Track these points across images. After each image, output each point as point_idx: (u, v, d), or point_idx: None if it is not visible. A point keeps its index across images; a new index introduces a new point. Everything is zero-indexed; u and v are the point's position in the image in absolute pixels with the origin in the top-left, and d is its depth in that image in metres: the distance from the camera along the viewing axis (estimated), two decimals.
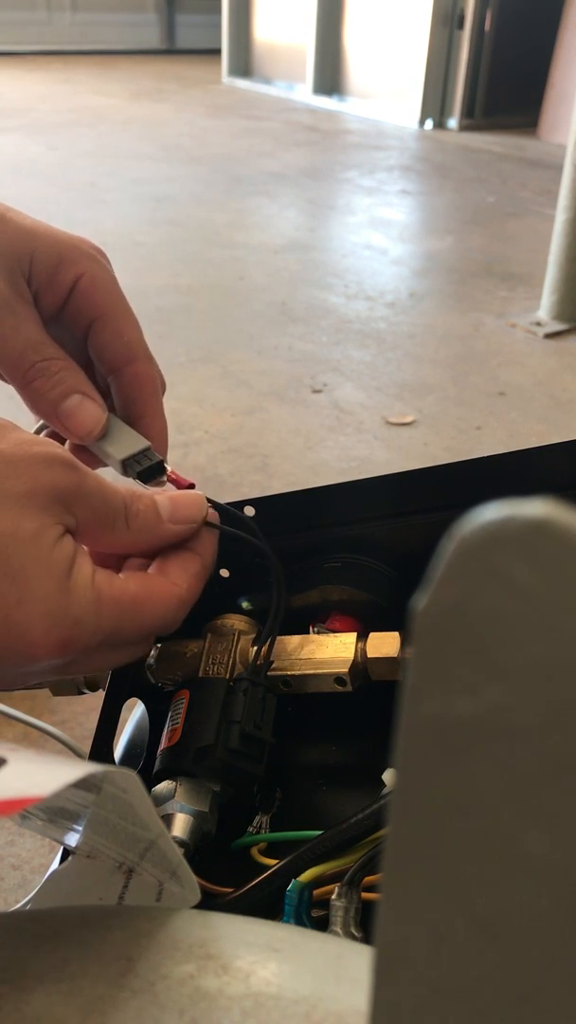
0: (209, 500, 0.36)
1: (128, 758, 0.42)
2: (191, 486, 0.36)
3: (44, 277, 0.36)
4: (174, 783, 0.34)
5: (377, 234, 3.09)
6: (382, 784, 0.35)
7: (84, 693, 0.42)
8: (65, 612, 0.28)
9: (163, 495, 0.34)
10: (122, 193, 3.43)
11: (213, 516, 0.35)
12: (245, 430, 1.78)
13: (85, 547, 0.31)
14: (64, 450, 0.30)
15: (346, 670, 0.36)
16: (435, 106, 5.33)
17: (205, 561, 0.34)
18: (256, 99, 5.97)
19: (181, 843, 0.33)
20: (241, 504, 0.39)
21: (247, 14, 6.51)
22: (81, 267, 0.36)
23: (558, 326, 2.32)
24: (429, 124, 5.31)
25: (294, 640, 0.38)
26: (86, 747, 0.41)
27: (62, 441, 0.38)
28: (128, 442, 0.37)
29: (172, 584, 0.32)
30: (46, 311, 0.37)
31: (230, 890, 0.33)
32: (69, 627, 0.28)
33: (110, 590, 0.30)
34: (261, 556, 0.37)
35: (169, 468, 0.37)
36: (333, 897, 0.31)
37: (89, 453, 0.38)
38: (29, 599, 0.27)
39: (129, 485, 0.33)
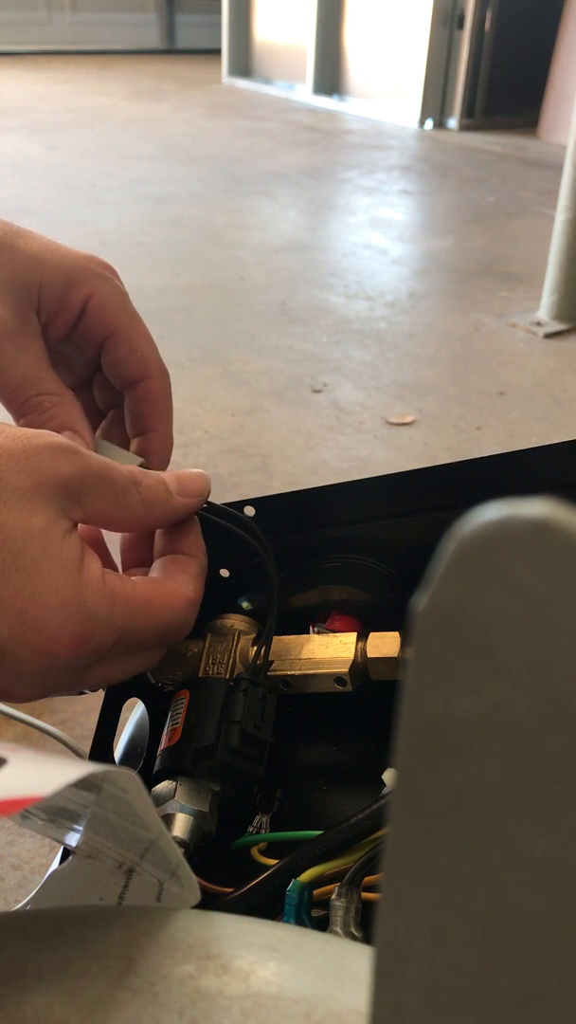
0: (206, 501, 0.36)
1: (128, 758, 0.42)
2: None
3: (53, 303, 0.36)
4: (174, 783, 0.34)
5: (377, 234, 3.09)
6: (382, 784, 0.35)
7: (84, 693, 0.42)
8: (80, 606, 0.28)
9: (168, 472, 0.34)
10: (122, 193, 3.43)
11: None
12: (245, 430, 1.78)
13: (93, 552, 0.31)
14: (62, 437, 0.30)
15: (346, 670, 0.36)
16: (435, 106, 5.33)
17: (201, 560, 0.35)
18: (256, 99, 5.97)
19: (181, 843, 0.33)
20: (241, 504, 0.39)
21: (247, 14, 6.51)
22: (89, 287, 0.36)
23: (558, 326, 2.32)
24: (429, 124, 5.31)
25: (294, 640, 0.38)
26: (86, 747, 0.41)
27: None
28: (121, 461, 0.37)
29: (179, 585, 0.32)
30: (58, 335, 0.37)
31: (230, 890, 0.33)
32: (84, 621, 0.28)
33: (122, 587, 0.30)
34: (254, 554, 0.37)
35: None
36: (333, 897, 0.31)
37: None
38: (43, 593, 0.27)
39: None
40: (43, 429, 0.35)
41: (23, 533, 0.27)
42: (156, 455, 0.38)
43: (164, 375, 0.38)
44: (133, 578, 0.31)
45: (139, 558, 0.37)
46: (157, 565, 0.34)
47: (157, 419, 0.38)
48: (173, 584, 0.32)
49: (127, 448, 0.38)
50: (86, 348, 0.38)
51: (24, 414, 0.36)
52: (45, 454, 0.28)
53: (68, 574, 0.28)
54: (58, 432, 0.36)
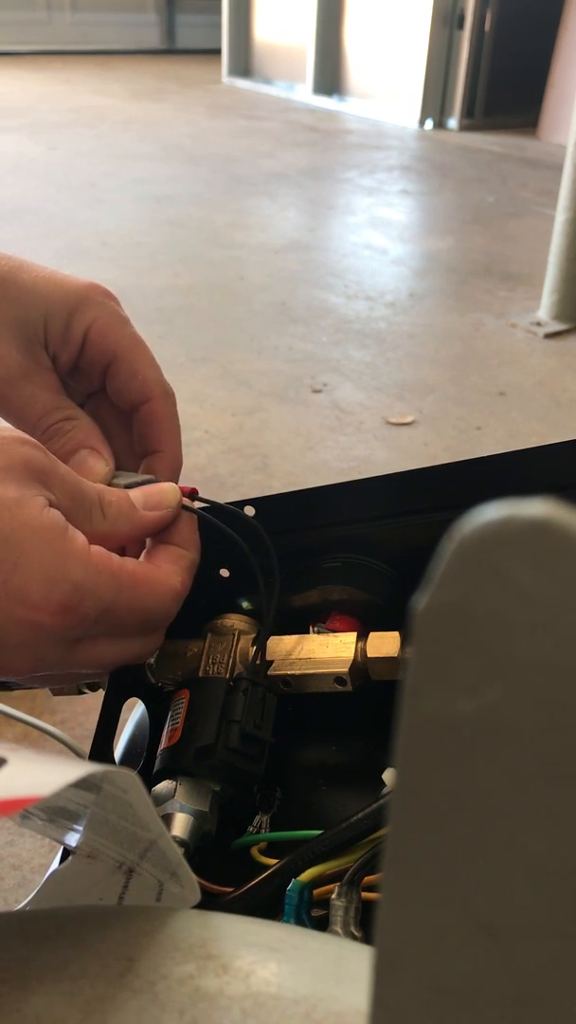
0: (206, 500, 0.36)
1: (128, 758, 0.42)
2: (193, 491, 0.37)
3: (58, 337, 0.37)
4: (174, 783, 0.34)
5: (377, 234, 3.09)
6: (382, 784, 0.35)
7: (84, 693, 0.42)
8: (63, 574, 0.28)
9: (135, 490, 0.35)
10: (122, 193, 3.43)
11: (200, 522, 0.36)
12: (245, 430, 1.78)
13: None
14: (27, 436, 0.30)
15: (346, 670, 0.36)
16: (435, 106, 5.33)
17: (192, 555, 0.35)
18: (256, 99, 5.97)
19: (181, 843, 0.33)
20: (241, 504, 0.39)
21: (247, 14, 6.51)
22: (90, 317, 0.37)
23: (558, 326, 2.32)
24: (429, 124, 5.31)
25: (294, 640, 0.38)
26: (86, 747, 0.41)
27: None
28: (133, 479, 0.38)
29: (166, 575, 0.33)
30: (65, 366, 0.38)
31: (230, 890, 0.33)
32: (69, 591, 0.28)
33: (108, 561, 0.30)
34: (246, 555, 0.37)
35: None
36: (333, 897, 0.31)
37: None
38: (24, 563, 0.27)
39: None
40: (62, 451, 0.36)
41: (1, 506, 0.27)
42: (163, 475, 0.38)
43: (167, 395, 0.39)
44: (122, 558, 0.32)
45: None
46: (148, 553, 0.35)
47: (162, 439, 0.38)
48: (161, 572, 0.33)
49: (136, 469, 0.39)
50: (92, 376, 0.38)
51: (46, 440, 0.37)
52: (16, 442, 0.29)
53: (51, 543, 0.28)
54: (77, 451, 0.37)
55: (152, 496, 0.35)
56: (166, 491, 0.35)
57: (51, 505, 0.30)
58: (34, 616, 0.27)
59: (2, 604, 0.27)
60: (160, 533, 0.35)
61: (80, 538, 0.29)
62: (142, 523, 0.34)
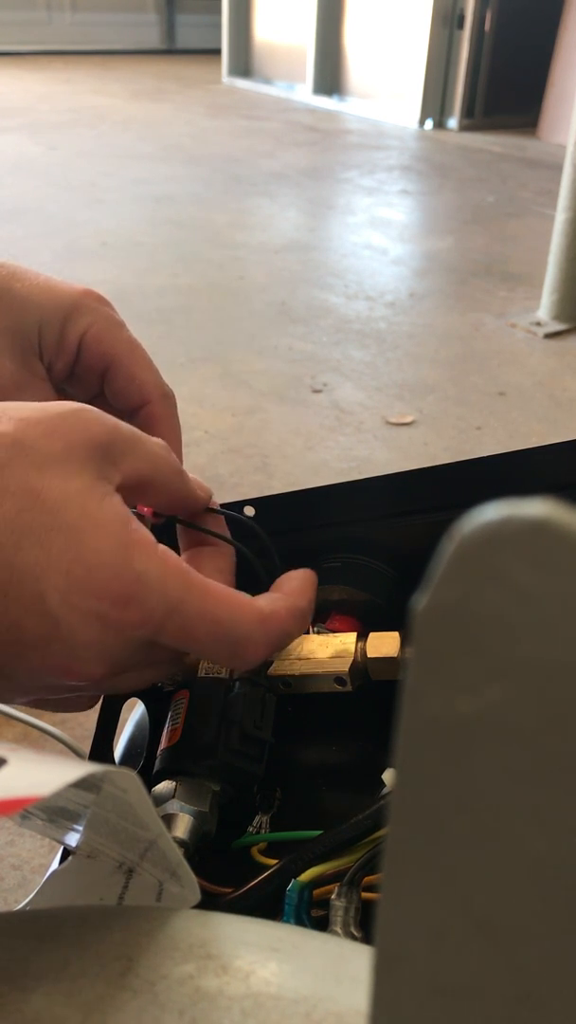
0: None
1: (128, 758, 0.42)
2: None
3: (53, 345, 0.36)
4: (174, 783, 0.34)
5: (377, 234, 3.09)
6: (382, 784, 0.35)
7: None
8: (126, 563, 0.27)
9: None
10: (122, 193, 3.42)
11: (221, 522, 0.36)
12: (245, 430, 1.78)
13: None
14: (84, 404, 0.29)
15: (346, 670, 0.36)
16: (435, 106, 5.32)
17: (295, 602, 0.33)
18: (256, 99, 5.97)
19: (181, 843, 0.33)
20: (241, 504, 0.39)
21: (247, 14, 6.51)
22: (84, 323, 0.36)
23: (558, 326, 2.32)
24: (429, 124, 5.31)
25: (294, 640, 0.38)
26: (86, 747, 0.41)
27: None
28: None
29: (253, 600, 0.31)
30: (61, 374, 0.37)
31: (230, 890, 0.32)
32: (131, 581, 0.27)
33: (177, 561, 0.29)
34: (251, 561, 0.37)
35: None
36: (333, 897, 0.31)
37: None
38: (86, 552, 0.26)
39: None
40: None
41: (61, 495, 0.26)
42: None
43: (165, 398, 0.38)
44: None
45: None
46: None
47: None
48: (245, 595, 0.31)
49: None
50: (90, 383, 0.38)
51: None
52: (72, 418, 0.28)
53: (112, 532, 0.27)
54: None
55: (197, 480, 0.35)
56: (202, 482, 0.36)
57: (116, 486, 0.29)
58: (99, 607, 0.26)
59: (66, 597, 0.26)
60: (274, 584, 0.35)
61: (145, 531, 0.28)
62: (197, 495, 0.34)
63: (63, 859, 0.36)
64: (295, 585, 0.34)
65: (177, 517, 0.36)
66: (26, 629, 0.26)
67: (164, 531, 0.38)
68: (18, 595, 0.26)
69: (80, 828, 0.29)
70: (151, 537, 0.28)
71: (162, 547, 0.29)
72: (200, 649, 0.30)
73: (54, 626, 0.26)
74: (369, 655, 0.36)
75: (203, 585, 0.29)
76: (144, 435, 0.31)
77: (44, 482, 0.27)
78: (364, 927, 0.31)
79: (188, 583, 0.28)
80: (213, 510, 0.36)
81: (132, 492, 0.30)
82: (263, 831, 0.36)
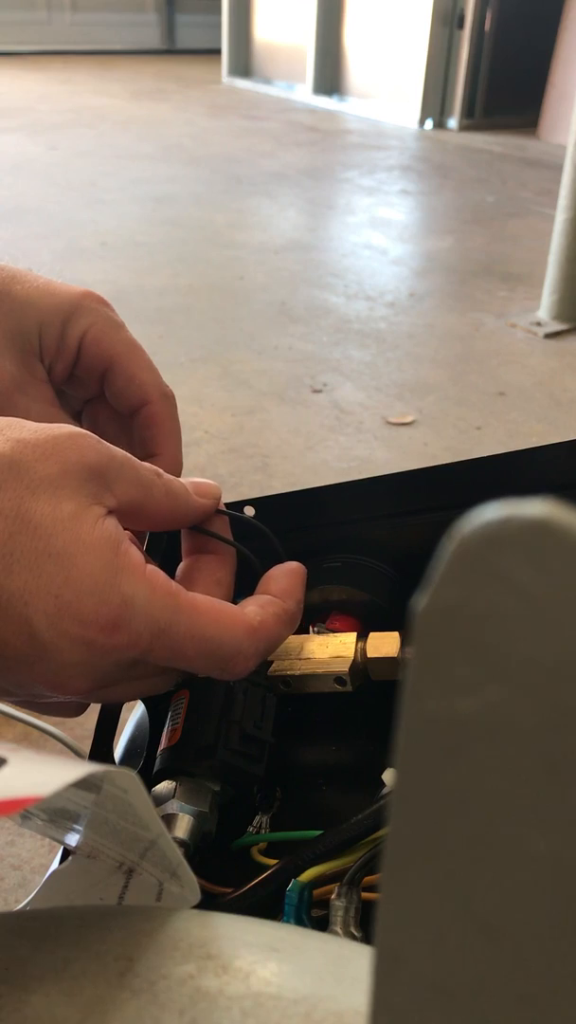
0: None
1: (128, 758, 0.42)
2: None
3: (53, 346, 0.37)
4: (174, 783, 0.34)
5: (377, 234, 3.09)
6: (382, 784, 0.35)
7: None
8: (113, 589, 0.27)
9: (184, 480, 0.35)
10: (122, 193, 3.43)
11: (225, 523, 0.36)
12: (245, 430, 1.78)
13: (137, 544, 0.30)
14: (80, 428, 0.30)
15: (346, 670, 0.36)
16: (435, 106, 5.33)
17: (285, 604, 0.33)
18: (256, 99, 5.97)
19: (181, 843, 0.33)
20: (241, 504, 0.39)
21: (247, 14, 6.51)
22: (84, 324, 0.37)
23: (558, 326, 2.32)
24: (429, 124, 5.31)
25: (294, 640, 0.38)
26: (86, 747, 0.41)
27: None
28: None
29: (238, 610, 0.31)
30: (61, 375, 0.38)
31: (230, 890, 0.32)
32: (119, 605, 0.27)
33: (166, 582, 0.29)
34: (251, 562, 0.37)
35: None
36: (333, 897, 0.31)
37: None
38: (76, 577, 0.27)
39: None
40: None
41: (52, 520, 0.27)
42: None
43: (165, 398, 0.38)
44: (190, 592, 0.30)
45: None
46: (243, 602, 0.33)
47: (162, 442, 0.38)
48: (233, 607, 0.31)
49: None
50: (90, 383, 0.38)
51: None
52: (69, 442, 0.28)
53: (102, 557, 0.27)
54: None
55: (201, 486, 0.35)
56: (211, 484, 0.35)
57: (110, 509, 0.29)
58: (86, 634, 0.27)
59: (55, 623, 0.26)
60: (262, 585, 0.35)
61: (135, 553, 0.29)
62: (196, 508, 0.34)
63: (63, 859, 0.36)
64: (283, 585, 0.34)
65: None
66: (13, 648, 0.27)
67: (169, 535, 0.38)
68: (6, 617, 0.26)
69: (80, 828, 0.29)
70: (141, 560, 0.29)
71: (151, 568, 0.29)
72: (189, 666, 0.30)
73: (41, 648, 0.27)
74: (369, 655, 0.36)
75: (191, 604, 0.29)
76: (136, 461, 0.31)
77: (38, 506, 0.27)
78: (364, 927, 0.31)
79: (176, 605, 0.29)
80: (219, 511, 0.36)
81: (124, 517, 0.30)
82: (263, 831, 0.36)
